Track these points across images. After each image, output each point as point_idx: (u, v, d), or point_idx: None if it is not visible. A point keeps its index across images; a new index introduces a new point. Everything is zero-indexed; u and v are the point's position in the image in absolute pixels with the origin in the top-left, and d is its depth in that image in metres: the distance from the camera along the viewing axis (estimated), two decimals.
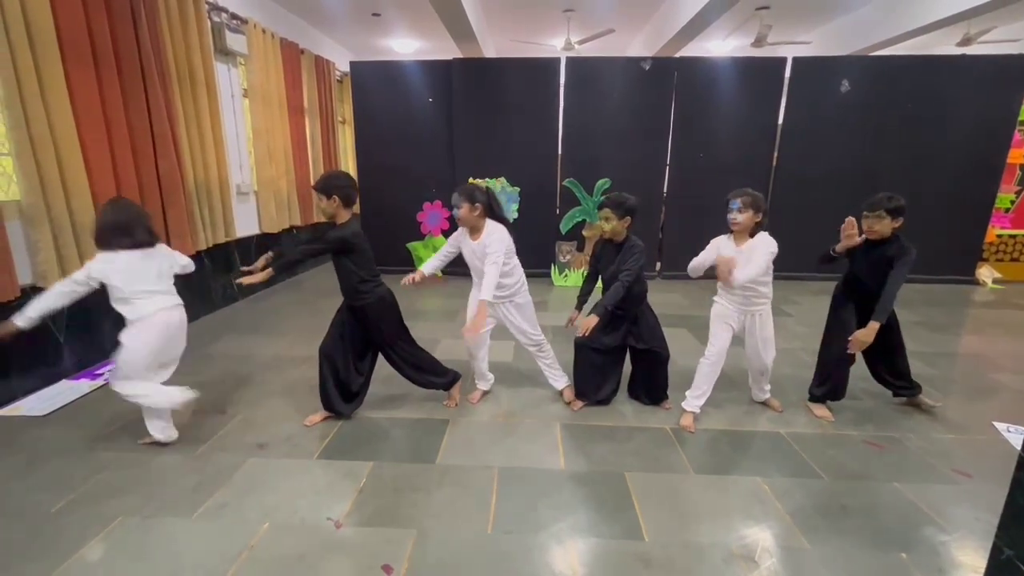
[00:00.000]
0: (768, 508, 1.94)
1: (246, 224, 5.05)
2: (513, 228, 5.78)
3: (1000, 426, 2.58)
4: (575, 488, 2.07)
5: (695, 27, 5.84)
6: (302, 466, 2.21)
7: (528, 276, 5.57)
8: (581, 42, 6.34)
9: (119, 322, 2.23)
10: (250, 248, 5.08)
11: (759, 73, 5.51)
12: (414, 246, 5.69)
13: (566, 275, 5.75)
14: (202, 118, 4.19)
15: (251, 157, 5.16)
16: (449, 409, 2.74)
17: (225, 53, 4.65)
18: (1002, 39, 6.07)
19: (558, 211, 5.88)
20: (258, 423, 2.59)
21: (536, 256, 5.72)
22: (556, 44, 6.68)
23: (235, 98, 4.84)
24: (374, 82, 5.84)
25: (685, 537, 1.80)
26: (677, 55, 6.49)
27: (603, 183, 5.62)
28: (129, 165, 3.49)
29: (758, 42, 6.00)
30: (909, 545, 1.76)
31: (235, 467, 2.19)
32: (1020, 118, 5.48)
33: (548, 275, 5.91)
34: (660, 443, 2.42)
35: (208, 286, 4.49)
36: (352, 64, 5.86)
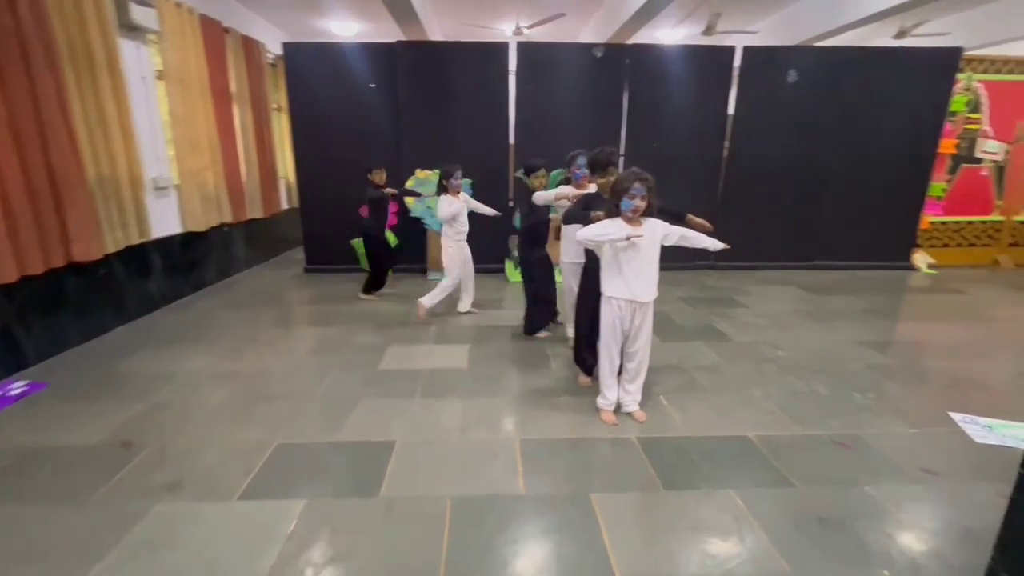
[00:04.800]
0: (744, 526, 1.81)
1: (166, 222, 4.52)
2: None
3: (956, 416, 2.58)
4: (537, 516, 1.87)
5: (646, 13, 5.73)
6: (220, 511, 1.90)
7: (479, 272, 5.39)
8: (531, 26, 6.10)
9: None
10: (172, 249, 4.57)
11: (710, 61, 5.46)
12: (358, 243, 5.31)
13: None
14: (104, 103, 3.67)
15: (170, 147, 4.61)
16: (395, 429, 2.47)
17: (131, 29, 4.09)
18: (934, 32, 6.31)
19: (511, 204, 5.64)
20: (171, 457, 2.23)
21: (489, 251, 5.49)
22: (506, 28, 6.41)
23: (147, 80, 4.30)
24: (310, 66, 5.37)
25: (659, 568, 1.64)
26: (628, 42, 6.36)
27: (557, 174, 5.43)
28: (10, 156, 2.97)
29: (708, 30, 5.97)
30: (890, 560, 1.67)
31: (135, 518, 1.84)
32: (950, 109, 5.71)
33: (502, 271, 5.69)
34: (626, 455, 2.26)
35: (122, 294, 3.98)
36: (285, 46, 5.37)
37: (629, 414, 2.58)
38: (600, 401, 2.59)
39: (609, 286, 2.43)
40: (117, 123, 3.80)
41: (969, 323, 4.13)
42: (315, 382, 2.99)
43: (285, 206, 6.96)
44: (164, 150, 4.53)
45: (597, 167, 2.82)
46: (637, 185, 2.27)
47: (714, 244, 2.49)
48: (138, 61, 4.21)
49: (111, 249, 3.75)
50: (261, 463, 2.18)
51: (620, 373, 2.60)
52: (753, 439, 2.38)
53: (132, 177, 3.97)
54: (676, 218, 2.83)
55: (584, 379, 2.94)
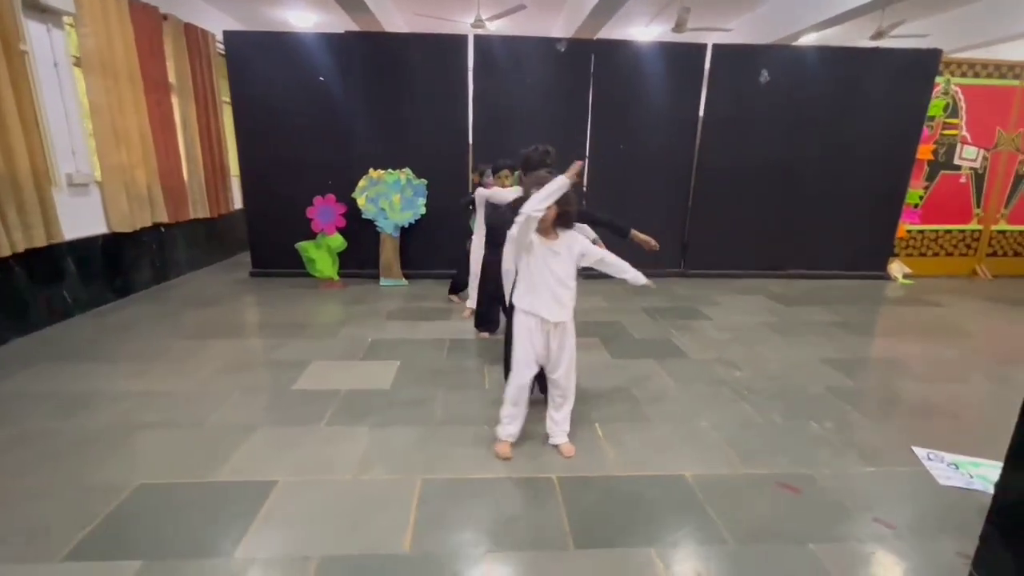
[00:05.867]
0: None
1: (85, 222, 4.16)
2: (420, 225, 5.22)
3: (919, 452, 2.31)
4: None
5: (609, 7, 5.45)
6: None
7: (436, 278, 5.07)
8: (492, 18, 5.80)
9: None
10: (93, 252, 4.21)
11: (679, 59, 5.19)
12: (304, 246, 4.97)
13: None
14: (1, 90, 3.31)
15: (90, 141, 4.25)
16: (284, 465, 2.14)
17: (40, 10, 3.73)
18: (911, 34, 6.10)
19: (472, 206, 5.33)
20: (4, 504, 1.89)
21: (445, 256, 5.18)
22: (467, 21, 6.10)
23: (61, 67, 3.93)
24: (255, 56, 5.03)
25: None
26: (596, 38, 6.08)
27: (517, 177, 5.13)
28: None
29: (679, 27, 5.70)
30: None
31: None
32: (928, 113, 5.50)
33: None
34: (541, 501, 1.95)
35: (25, 301, 3.62)
36: (226, 34, 5.02)
37: (556, 447, 2.29)
38: (499, 430, 2.26)
39: (521, 299, 2.15)
40: (15, 112, 3.43)
41: (944, 339, 3.89)
42: (214, 405, 2.66)
43: (238, 206, 6.60)
44: (83, 144, 4.16)
45: (529, 168, 2.55)
46: None
47: (636, 278, 2.21)
48: (50, 45, 3.84)
49: (6, 252, 3.38)
50: (108, 511, 1.85)
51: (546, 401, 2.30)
52: (690, 479, 2.09)
53: (36, 172, 3.60)
54: (619, 233, 2.61)
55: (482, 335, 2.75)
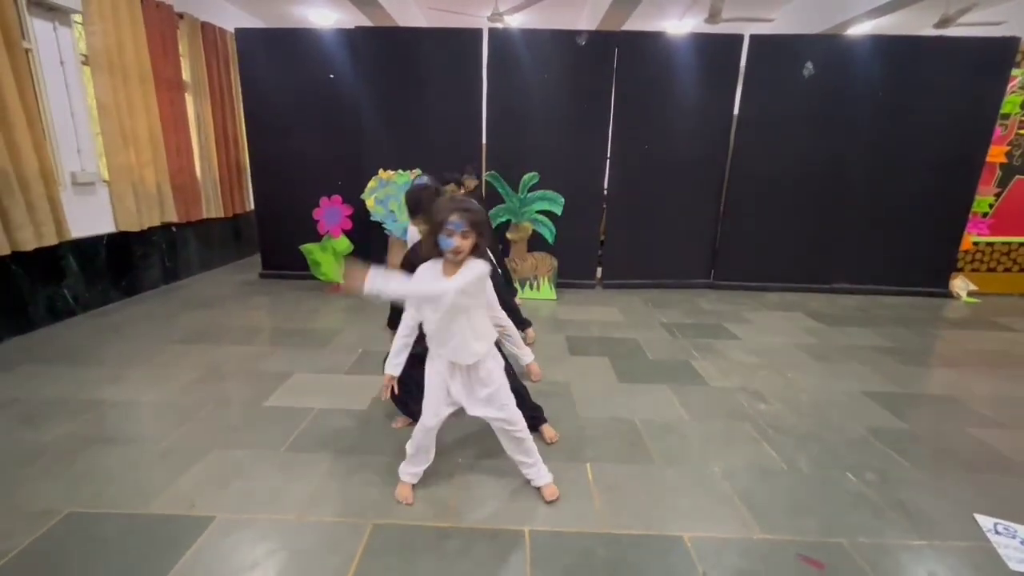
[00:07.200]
0: None
1: (92, 221, 4.14)
2: None
3: (984, 522, 1.87)
4: None
5: None
6: None
7: None
8: (510, 11, 5.50)
9: None
10: (97, 251, 4.18)
11: (712, 52, 4.75)
12: (308, 248, 4.83)
13: None
14: (3, 88, 3.28)
15: (97, 140, 4.23)
16: (227, 497, 1.92)
17: (47, 8, 3.72)
18: (984, 21, 5.42)
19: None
20: None
21: None
22: (484, 15, 5.84)
23: (67, 65, 3.91)
24: (265, 52, 4.93)
25: None
26: (621, 29, 5.69)
27: (530, 178, 4.84)
28: None
29: (712, 17, 5.25)
30: None
31: None
32: (1002, 111, 4.85)
33: None
34: (504, 563, 1.65)
35: (23, 299, 3.59)
36: (238, 31, 4.95)
37: (537, 489, 1.98)
38: (402, 468, 1.98)
39: (430, 340, 1.86)
40: (21, 111, 3.40)
41: (1018, 371, 3.33)
42: (179, 419, 2.49)
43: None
44: (89, 143, 4.13)
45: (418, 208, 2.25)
46: (455, 218, 1.64)
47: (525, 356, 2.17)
48: (56, 43, 3.82)
49: (6, 251, 3.35)
50: (28, 541, 1.67)
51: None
52: (688, 543, 1.74)
53: (44, 171, 3.58)
54: (517, 323, 2.49)
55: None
